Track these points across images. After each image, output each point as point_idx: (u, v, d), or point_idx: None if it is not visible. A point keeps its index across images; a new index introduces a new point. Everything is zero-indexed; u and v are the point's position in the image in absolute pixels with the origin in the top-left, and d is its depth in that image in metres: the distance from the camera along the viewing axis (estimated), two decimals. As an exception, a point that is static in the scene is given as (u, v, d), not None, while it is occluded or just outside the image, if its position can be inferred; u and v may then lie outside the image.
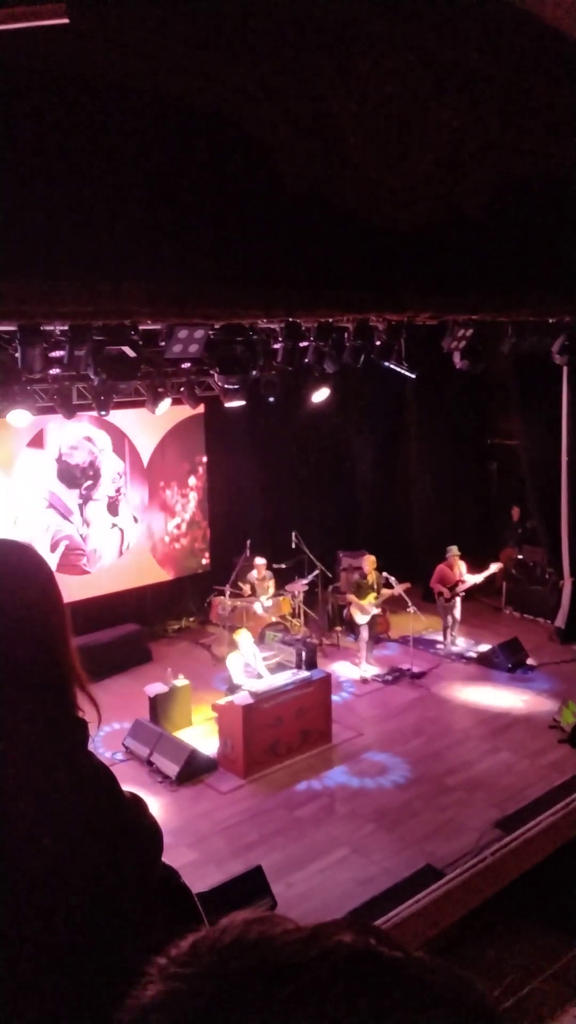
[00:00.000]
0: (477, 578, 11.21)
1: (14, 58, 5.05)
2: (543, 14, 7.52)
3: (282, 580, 11.60)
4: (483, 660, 10.94)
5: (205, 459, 12.59)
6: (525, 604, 12.58)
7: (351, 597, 10.83)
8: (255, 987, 0.54)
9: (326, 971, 0.54)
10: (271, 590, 11.29)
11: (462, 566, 11.21)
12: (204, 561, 12.75)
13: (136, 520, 11.98)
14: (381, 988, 0.54)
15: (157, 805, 7.76)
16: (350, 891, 6.64)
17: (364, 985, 0.54)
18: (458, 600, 11.25)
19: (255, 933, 0.58)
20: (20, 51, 5.03)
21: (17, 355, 6.99)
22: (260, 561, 11.31)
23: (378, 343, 9.17)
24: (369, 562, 10.84)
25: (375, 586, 10.73)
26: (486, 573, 11.34)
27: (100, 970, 1.25)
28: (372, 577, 10.75)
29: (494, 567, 11.52)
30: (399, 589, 10.69)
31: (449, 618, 11.28)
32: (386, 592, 10.74)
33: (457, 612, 11.30)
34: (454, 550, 11.19)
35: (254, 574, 11.32)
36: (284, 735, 8.64)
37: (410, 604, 10.72)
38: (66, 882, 1.26)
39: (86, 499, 11.40)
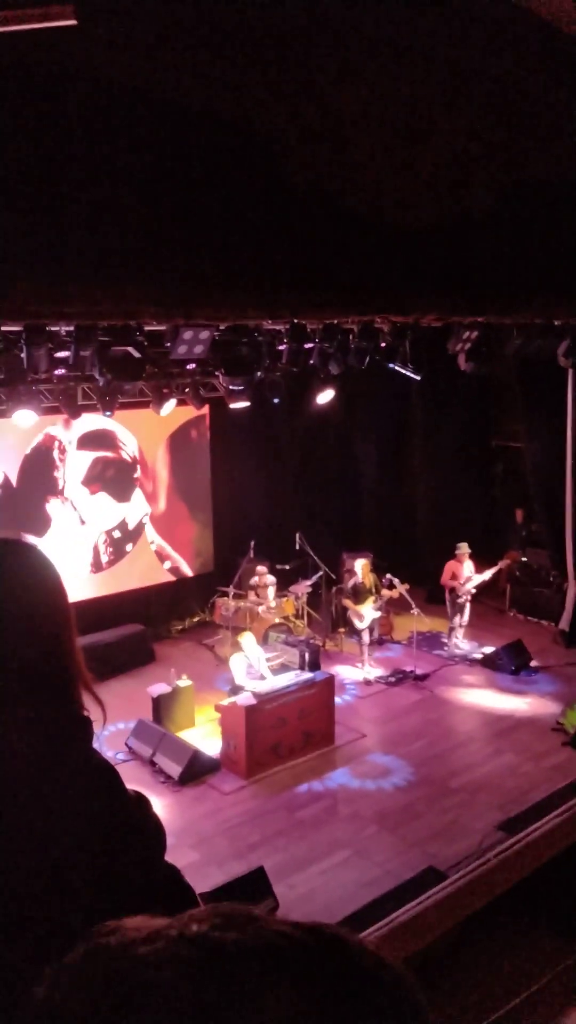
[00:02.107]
0: (486, 575, 11.19)
1: (20, 59, 5.06)
2: (550, 16, 7.51)
3: (286, 581, 11.60)
4: (487, 662, 10.92)
5: (210, 460, 12.59)
6: (529, 607, 12.55)
7: (348, 603, 10.82)
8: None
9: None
10: (271, 595, 11.25)
11: (470, 565, 11.19)
12: (208, 562, 12.75)
13: (141, 520, 11.98)
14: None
15: (160, 805, 7.75)
16: (352, 893, 6.63)
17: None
18: (468, 603, 11.23)
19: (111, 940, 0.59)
20: (25, 52, 5.04)
21: (22, 355, 7.01)
22: (261, 568, 11.29)
23: (383, 345, 9.17)
24: (361, 566, 10.81)
25: (372, 589, 10.71)
26: (494, 569, 11.32)
27: None
28: (368, 580, 10.73)
29: (502, 563, 11.50)
30: (400, 589, 10.68)
31: (457, 618, 11.26)
32: (386, 593, 10.72)
33: (466, 615, 11.28)
34: (464, 547, 11.18)
35: (255, 580, 11.31)
36: (287, 736, 8.63)
37: (413, 606, 10.71)
38: (69, 880, 1.27)
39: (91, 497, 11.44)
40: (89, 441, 11.31)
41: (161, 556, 12.25)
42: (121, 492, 11.73)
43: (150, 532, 12.09)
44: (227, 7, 5.89)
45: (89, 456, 11.34)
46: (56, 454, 11.03)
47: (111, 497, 11.63)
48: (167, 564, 12.32)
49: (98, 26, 5.30)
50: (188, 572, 12.54)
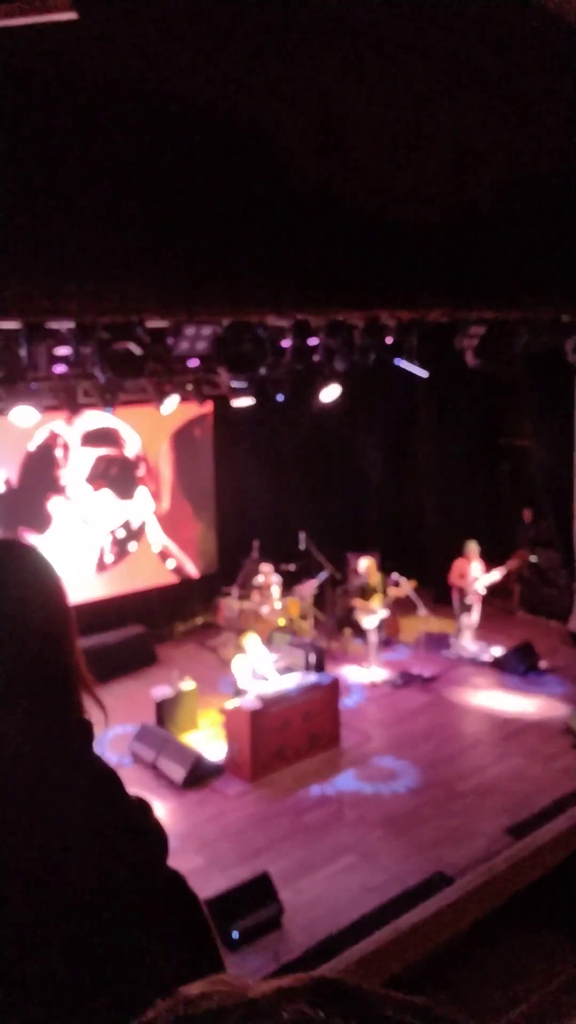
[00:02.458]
0: (495, 575, 11.06)
1: (18, 56, 4.98)
2: (556, 8, 7.41)
3: (290, 582, 11.51)
4: (495, 664, 10.83)
5: (213, 458, 12.50)
6: (538, 606, 12.46)
7: (358, 602, 10.72)
8: None
9: None
10: (276, 594, 11.18)
11: (479, 564, 11.08)
12: (212, 562, 12.65)
13: (143, 519, 11.90)
14: None
15: (163, 810, 7.68)
16: (358, 897, 6.55)
17: None
18: (477, 602, 11.13)
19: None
20: (24, 49, 4.96)
21: (23, 353, 6.93)
22: (266, 567, 11.21)
23: (388, 341, 9.07)
24: (367, 564, 10.72)
25: (379, 588, 10.62)
26: (503, 569, 11.18)
27: (103, 975, 1.25)
28: (374, 579, 10.64)
29: (511, 563, 11.36)
30: (406, 587, 10.58)
31: (465, 618, 11.16)
32: (393, 592, 10.63)
33: (475, 615, 11.18)
34: (473, 545, 11.07)
35: (260, 579, 11.23)
36: (292, 739, 8.54)
37: (420, 606, 10.61)
38: (70, 885, 1.25)
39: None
40: (92, 438, 11.23)
41: (164, 556, 12.17)
42: (124, 490, 11.65)
43: (153, 531, 12.00)
44: (229, 3, 5.81)
45: (92, 453, 11.27)
46: (58, 452, 10.95)
47: (114, 495, 11.54)
48: (170, 564, 12.23)
49: (98, 22, 5.22)
50: (192, 572, 12.45)
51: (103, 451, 11.36)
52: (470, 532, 11.59)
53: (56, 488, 10.99)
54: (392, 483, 13.78)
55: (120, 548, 11.68)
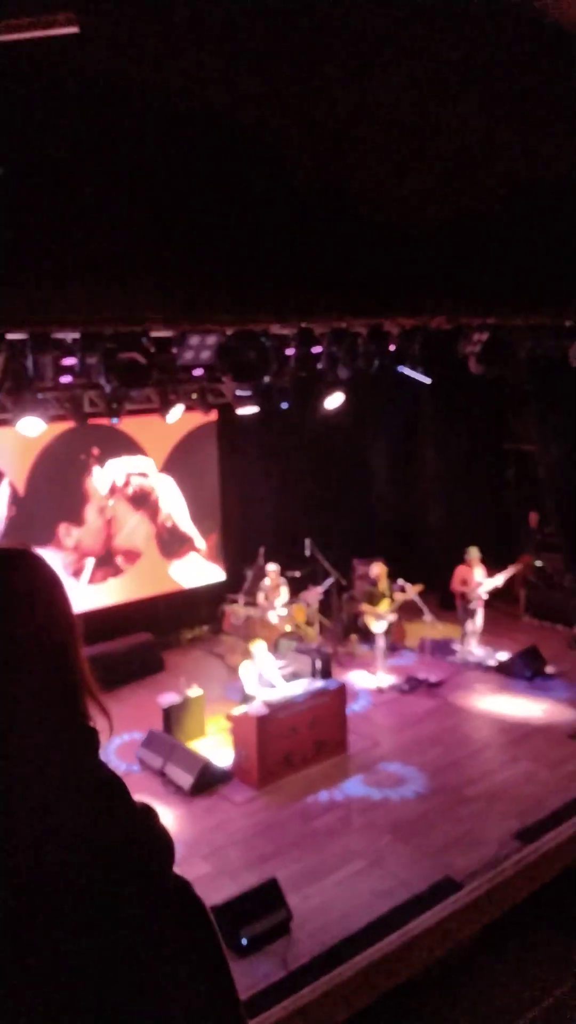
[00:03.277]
0: (498, 579, 11.07)
1: (22, 63, 5.02)
2: (558, 15, 7.44)
3: (296, 589, 11.52)
4: (502, 668, 10.82)
5: (218, 466, 12.52)
6: (544, 611, 12.45)
7: (365, 607, 10.74)
8: None
9: None
10: (285, 597, 11.20)
11: (481, 570, 11.09)
12: (217, 570, 12.67)
13: (150, 528, 11.93)
14: None
15: (171, 816, 7.69)
16: (367, 903, 6.54)
17: None
18: (480, 608, 11.13)
19: None
20: (28, 56, 5.00)
21: (28, 363, 6.96)
22: (273, 568, 11.23)
23: (392, 348, 9.09)
24: (378, 569, 10.73)
25: (387, 593, 10.63)
26: (506, 573, 11.18)
27: (109, 982, 1.24)
28: (383, 584, 10.65)
29: (513, 567, 11.36)
30: (412, 592, 10.59)
31: (469, 624, 11.16)
32: (399, 597, 10.64)
33: (479, 620, 11.17)
34: (474, 551, 11.09)
35: (267, 581, 11.25)
36: (299, 745, 8.55)
37: (426, 612, 10.61)
38: (76, 893, 1.24)
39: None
40: (99, 448, 11.26)
41: (169, 563, 12.18)
42: (131, 499, 11.68)
43: (158, 540, 12.02)
44: (231, 7, 5.84)
45: (99, 462, 11.30)
46: (65, 461, 10.98)
47: (121, 504, 11.58)
48: (176, 572, 12.25)
49: (103, 27, 5.26)
50: (198, 580, 12.46)
51: (111, 460, 11.39)
52: (476, 537, 11.59)
53: (64, 497, 11.02)
54: (397, 489, 13.78)
55: (127, 556, 11.70)
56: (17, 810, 1.26)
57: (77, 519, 11.14)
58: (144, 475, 11.76)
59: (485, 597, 11.13)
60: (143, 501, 11.81)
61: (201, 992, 1.37)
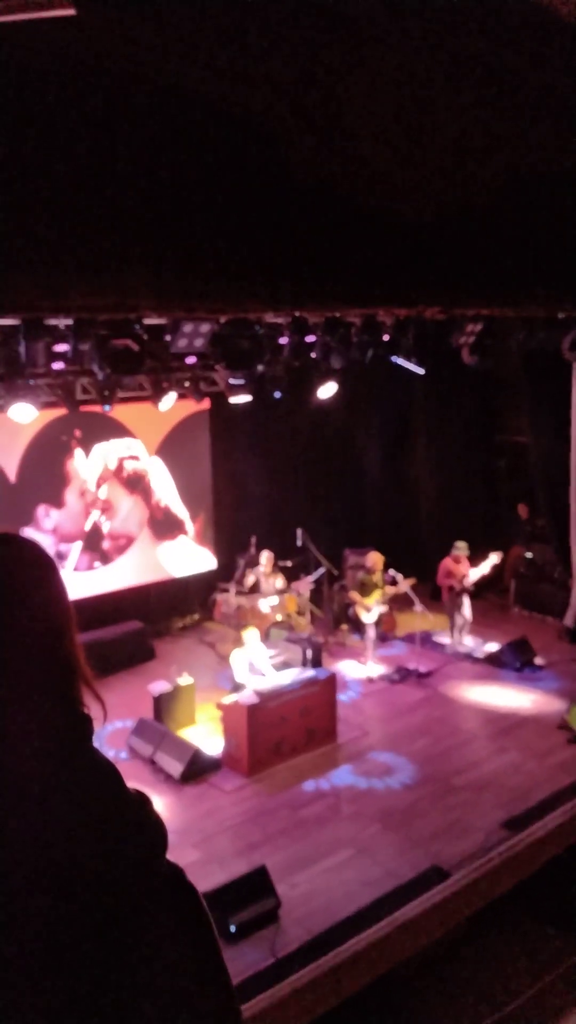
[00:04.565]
0: (483, 568, 11.03)
1: (18, 50, 4.98)
2: (555, 6, 7.42)
3: (288, 578, 11.53)
4: (491, 659, 10.85)
5: (210, 455, 12.51)
6: (534, 602, 12.49)
7: (355, 596, 10.75)
8: None
9: None
10: (279, 584, 11.21)
11: (467, 563, 11.09)
12: (209, 558, 12.67)
13: (142, 516, 11.92)
14: None
15: (161, 804, 7.70)
16: (355, 891, 6.57)
17: None
18: (467, 599, 11.14)
19: None
20: (24, 44, 4.96)
21: (20, 349, 6.94)
22: (267, 554, 11.24)
23: (386, 338, 9.09)
24: (375, 559, 10.75)
25: (380, 583, 10.65)
26: (489, 563, 11.08)
27: (104, 968, 1.26)
28: (378, 575, 10.67)
29: (493, 557, 11.22)
30: (404, 585, 10.61)
31: (458, 617, 11.18)
32: (391, 589, 10.66)
33: (467, 611, 11.19)
34: (461, 546, 11.09)
35: (261, 568, 11.25)
36: (289, 734, 8.57)
37: (417, 602, 10.64)
38: (70, 878, 1.26)
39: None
40: (91, 434, 11.23)
41: (161, 551, 12.17)
42: (123, 486, 11.66)
43: (151, 527, 12.01)
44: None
45: (91, 449, 11.26)
46: (57, 448, 10.94)
47: (113, 491, 11.55)
48: (166, 556, 12.24)
49: (97, 17, 5.22)
50: (188, 566, 12.45)
51: (102, 446, 11.36)
52: (467, 528, 11.61)
53: (56, 484, 10.99)
54: (389, 480, 13.79)
55: (118, 544, 11.69)
56: (11, 796, 1.27)
57: (57, 502, 11.07)
58: (136, 458, 11.72)
59: (471, 588, 11.14)
60: (136, 484, 11.78)
61: (194, 976, 1.38)
